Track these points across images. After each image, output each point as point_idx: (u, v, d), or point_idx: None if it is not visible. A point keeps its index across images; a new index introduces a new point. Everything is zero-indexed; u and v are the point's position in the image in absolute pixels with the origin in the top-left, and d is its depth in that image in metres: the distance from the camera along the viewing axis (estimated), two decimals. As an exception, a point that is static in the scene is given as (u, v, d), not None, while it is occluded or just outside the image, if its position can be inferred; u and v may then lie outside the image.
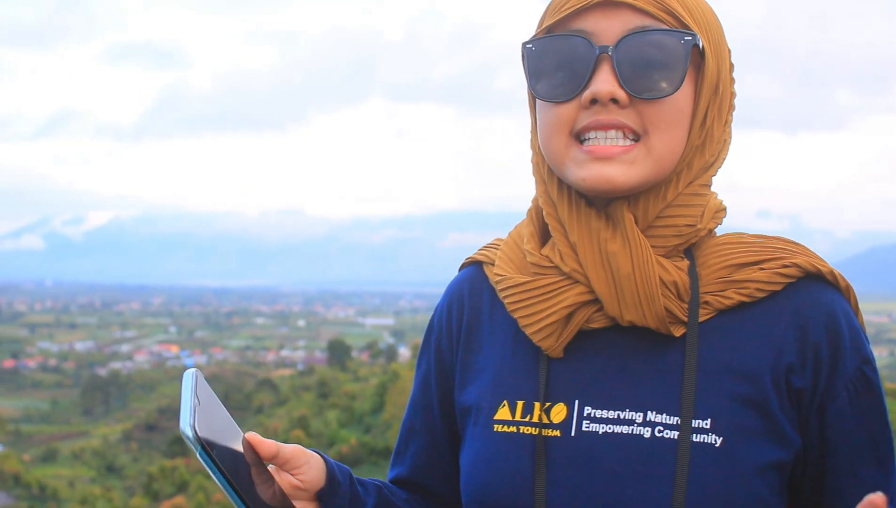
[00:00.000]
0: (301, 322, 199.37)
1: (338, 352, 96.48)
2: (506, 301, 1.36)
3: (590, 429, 1.28)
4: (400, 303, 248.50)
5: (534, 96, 1.36)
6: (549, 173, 1.37)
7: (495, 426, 1.34)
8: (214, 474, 1.16)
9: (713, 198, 1.38)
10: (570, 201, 1.33)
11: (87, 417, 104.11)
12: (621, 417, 1.27)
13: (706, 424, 1.24)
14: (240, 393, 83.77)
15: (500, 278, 1.37)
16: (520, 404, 1.34)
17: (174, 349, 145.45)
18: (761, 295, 1.30)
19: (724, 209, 1.40)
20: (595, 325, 1.31)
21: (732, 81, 1.37)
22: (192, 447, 1.15)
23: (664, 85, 1.25)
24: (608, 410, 1.28)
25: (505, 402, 1.35)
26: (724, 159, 1.37)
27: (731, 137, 1.38)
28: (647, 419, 1.26)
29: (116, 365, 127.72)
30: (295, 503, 1.29)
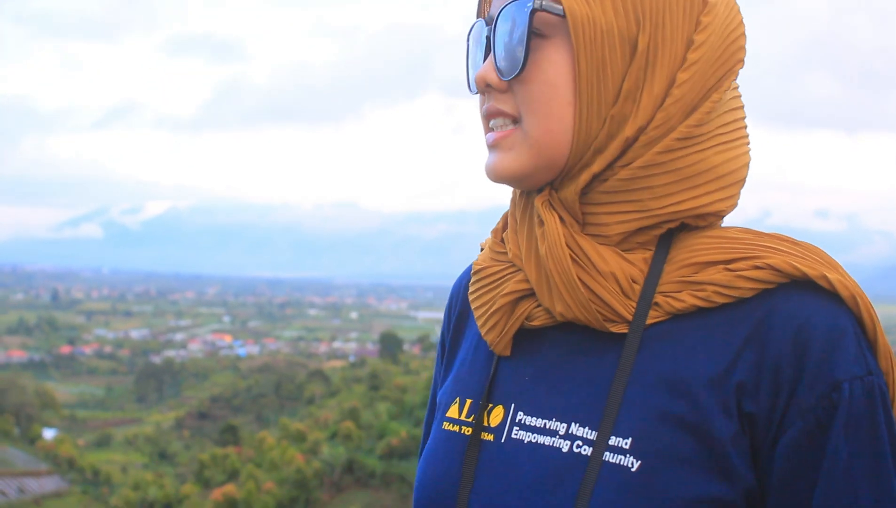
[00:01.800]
0: (353, 314, 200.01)
1: (389, 345, 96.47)
2: (469, 291, 1.30)
3: (517, 436, 1.18)
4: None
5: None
6: None
7: (444, 423, 1.28)
8: None
9: (715, 173, 1.16)
10: (514, 190, 1.27)
11: (140, 404, 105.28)
12: (547, 427, 1.16)
13: (626, 444, 1.09)
14: (291, 384, 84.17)
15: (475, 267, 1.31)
16: (468, 402, 1.27)
17: (227, 339, 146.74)
18: (722, 300, 1.11)
19: (732, 187, 1.17)
20: (537, 323, 1.19)
21: (698, 15, 1.14)
22: None
23: (513, 62, 1.14)
24: (537, 418, 1.18)
25: (457, 399, 1.29)
26: (691, 124, 1.13)
27: (703, 90, 1.14)
28: (569, 432, 1.14)
29: (170, 353, 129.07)
30: None
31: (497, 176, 1.18)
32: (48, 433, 75.33)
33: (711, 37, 1.13)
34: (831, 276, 1.08)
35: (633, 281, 1.14)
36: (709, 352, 1.11)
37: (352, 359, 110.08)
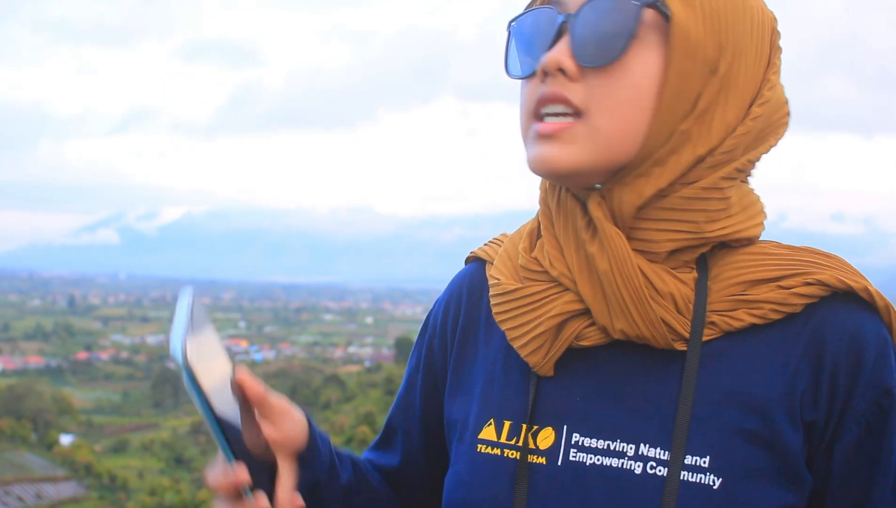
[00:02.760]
0: (369, 319, 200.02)
1: (405, 349, 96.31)
2: (494, 310, 1.24)
3: (577, 458, 1.16)
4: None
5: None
6: None
7: (479, 445, 1.24)
8: (200, 404, 1.09)
9: (748, 201, 1.20)
10: (556, 193, 1.21)
11: (157, 409, 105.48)
12: (612, 448, 1.14)
13: (704, 462, 1.10)
14: (307, 389, 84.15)
15: (494, 282, 1.26)
16: (506, 424, 1.23)
17: (243, 344, 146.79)
18: (776, 317, 1.13)
19: (762, 212, 1.22)
20: (588, 342, 1.17)
21: (766, 66, 1.16)
22: (181, 372, 1.07)
23: (607, 52, 1.10)
24: (598, 439, 1.16)
25: (491, 420, 1.25)
26: (748, 160, 1.16)
27: (761, 134, 1.17)
28: (640, 453, 1.13)
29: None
30: (277, 456, 1.21)
31: (550, 169, 1.13)
32: (65, 439, 75.53)
33: (777, 85, 1.17)
34: (871, 288, 1.13)
35: (688, 300, 1.14)
36: (770, 366, 1.12)
37: (367, 364, 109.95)
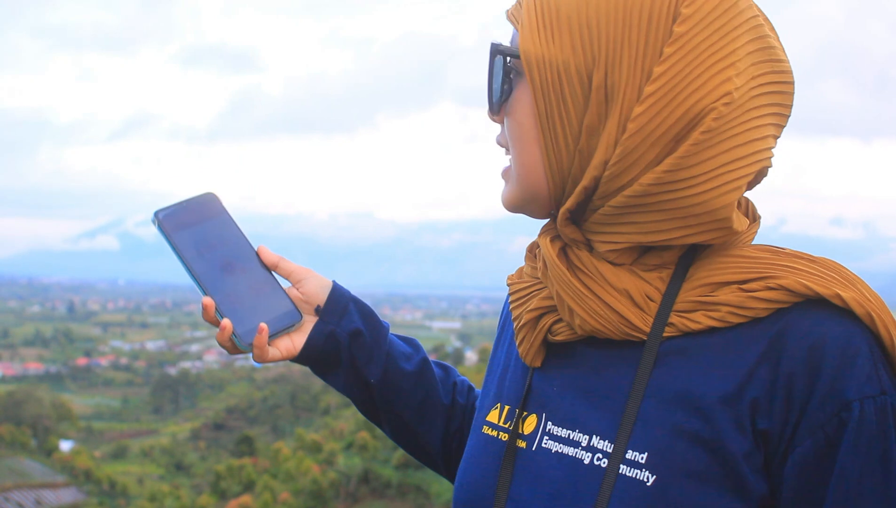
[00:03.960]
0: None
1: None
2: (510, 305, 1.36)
3: (546, 445, 1.22)
4: (467, 307, 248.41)
5: None
6: None
7: (484, 426, 1.33)
8: (174, 253, 1.39)
9: (745, 218, 1.19)
10: None
11: (156, 415, 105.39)
12: (571, 438, 1.19)
13: (641, 458, 1.11)
14: (307, 394, 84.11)
15: (508, 283, 1.38)
16: (506, 409, 1.31)
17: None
18: (736, 320, 1.11)
19: (752, 222, 1.22)
20: (560, 337, 1.23)
21: (658, 55, 1.10)
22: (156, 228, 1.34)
23: (493, 103, 1.22)
24: (563, 428, 1.21)
25: (498, 404, 1.33)
26: (679, 157, 1.08)
27: (681, 133, 1.09)
28: (591, 444, 1.17)
29: (186, 365, 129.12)
30: (304, 315, 1.48)
31: (503, 205, 1.25)
32: (65, 445, 75.52)
33: (673, 69, 1.09)
34: (845, 294, 1.07)
35: (649, 298, 1.15)
36: (723, 370, 1.11)
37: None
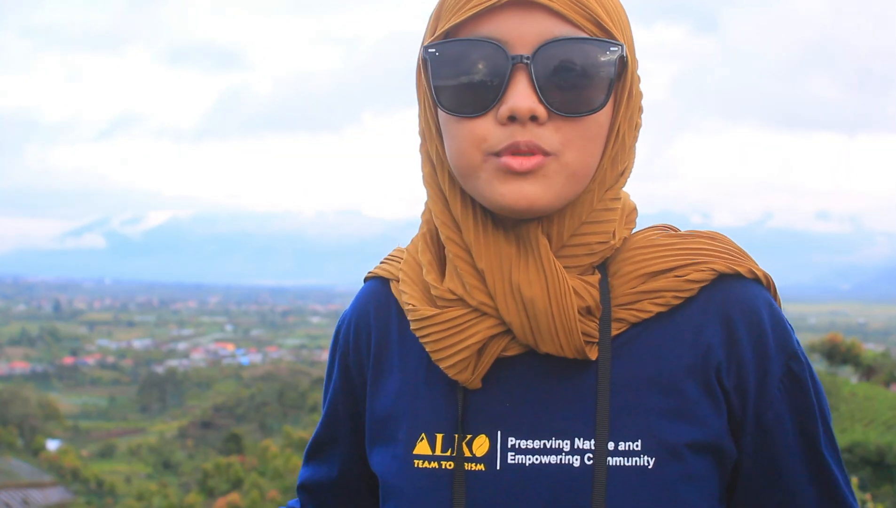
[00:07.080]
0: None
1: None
2: (416, 334, 1.25)
3: (515, 461, 1.18)
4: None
5: (434, 104, 1.21)
6: (452, 186, 1.23)
7: (415, 461, 1.25)
8: None
9: (626, 200, 1.29)
10: (475, 220, 1.20)
11: (143, 414, 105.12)
12: (549, 446, 1.18)
13: (636, 446, 1.15)
14: (295, 392, 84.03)
15: (410, 307, 1.25)
16: (439, 437, 1.24)
17: (230, 348, 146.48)
18: (678, 302, 1.21)
19: (636, 209, 1.31)
20: (511, 353, 1.22)
21: (639, 80, 1.24)
22: None
23: (588, 102, 1.13)
24: (534, 440, 1.19)
25: (423, 435, 1.25)
26: (632, 168, 1.25)
27: (635, 142, 1.25)
28: (575, 447, 1.17)
29: (173, 363, 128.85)
30: None
31: (531, 206, 1.13)
32: (52, 445, 75.17)
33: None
34: (754, 268, 1.23)
35: (598, 303, 1.19)
36: (682, 346, 1.20)
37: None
